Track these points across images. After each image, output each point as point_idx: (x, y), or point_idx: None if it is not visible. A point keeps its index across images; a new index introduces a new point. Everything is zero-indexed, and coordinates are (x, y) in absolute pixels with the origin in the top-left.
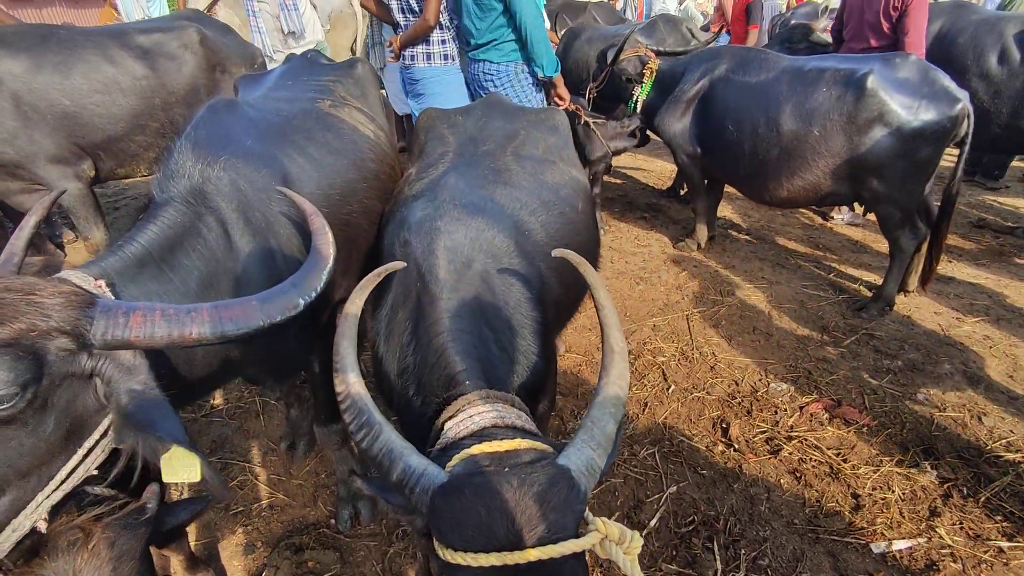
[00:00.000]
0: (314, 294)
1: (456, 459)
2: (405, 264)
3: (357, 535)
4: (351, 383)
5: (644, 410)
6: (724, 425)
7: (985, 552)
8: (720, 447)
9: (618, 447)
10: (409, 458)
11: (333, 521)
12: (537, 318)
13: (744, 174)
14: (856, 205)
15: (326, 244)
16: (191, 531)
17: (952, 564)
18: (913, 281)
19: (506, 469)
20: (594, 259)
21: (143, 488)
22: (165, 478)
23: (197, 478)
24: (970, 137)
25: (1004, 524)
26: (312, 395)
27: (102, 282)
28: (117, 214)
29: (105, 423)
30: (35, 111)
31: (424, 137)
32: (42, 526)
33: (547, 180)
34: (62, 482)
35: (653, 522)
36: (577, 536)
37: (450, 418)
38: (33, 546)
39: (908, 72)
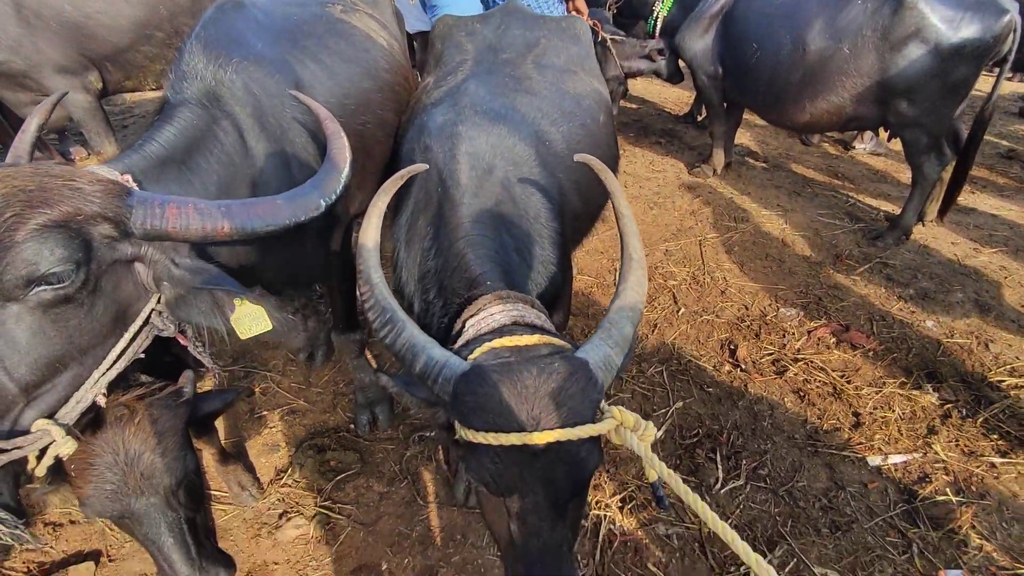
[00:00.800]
0: (334, 196)
1: (477, 351)
2: (427, 166)
3: (375, 439)
4: (375, 283)
5: (654, 331)
6: (732, 347)
7: (977, 467)
8: (727, 367)
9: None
10: (432, 350)
11: (352, 426)
12: (556, 229)
13: (766, 96)
14: (881, 132)
15: (342, 148)
16: (220, 429)
17: (944, 477)
18: (933, 211)
19: (526, 360)
20: (613, 171)
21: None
22: (241, 335)
23: (269, 326)
24: (1013, 54)
25: (999, 442)
26: (330, 305)
27: (128, 176)
28: (126, 131)
29: (147, 309)
30: (38, 18)
31: (441, 45)
32: (101, 400)
33: (568, 90)
34: (114, 362)
35: (659, 433)
36: (594, 422)
37: (471, 316)
38: (94, 420)
39: None
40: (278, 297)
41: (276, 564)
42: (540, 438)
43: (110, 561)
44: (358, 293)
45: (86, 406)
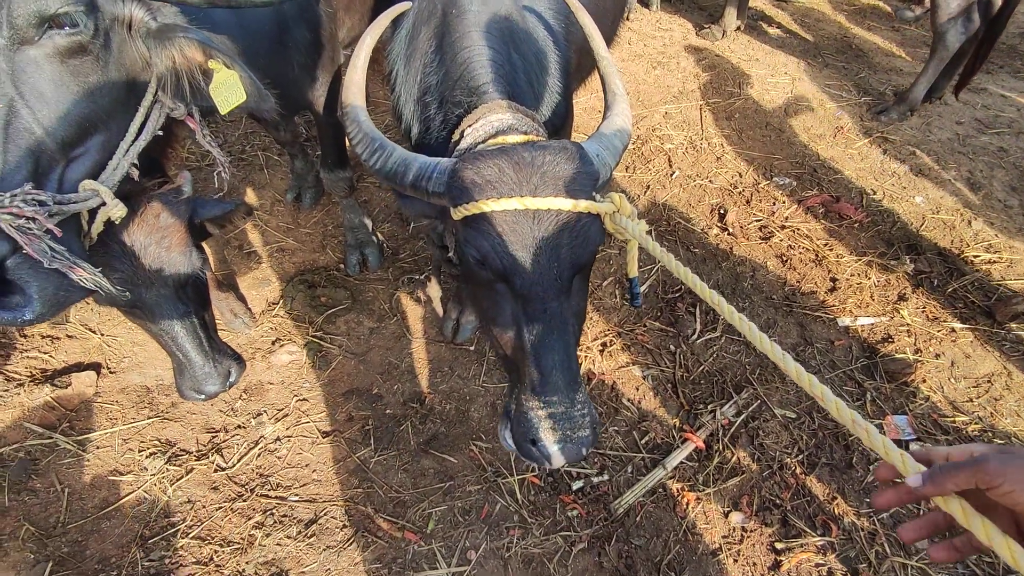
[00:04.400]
0: None
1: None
2: (417, 6)
3: (365, 279)
4: (362, 121)
5: (646, 191)
6: (722, 211)
7: (938, 331)
8: (715, 231)
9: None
10: (422, 158)
11: (342, 266)
12: (563, 58)
13: None
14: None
15: None
16: (211, 262)
17: (906, 338)
18: (944, 87)
19: (523, 143)
20: (619, 9)
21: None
22: (222, 109)
23: (244, 97)
24: None
25: (963, 310)
26: (319, 140)
27: None
28: None
29: (153, 81)
30: None
31: None
32: (134, 172)
33: None
34: (137, 134)
35: (644, 288)
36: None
37: (470, 126)
38: (129, 193)
39: None
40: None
41: (271, 384)
42: (540, 204)
43: (111, 373)
44: (345, 128)
45: (122, 174)
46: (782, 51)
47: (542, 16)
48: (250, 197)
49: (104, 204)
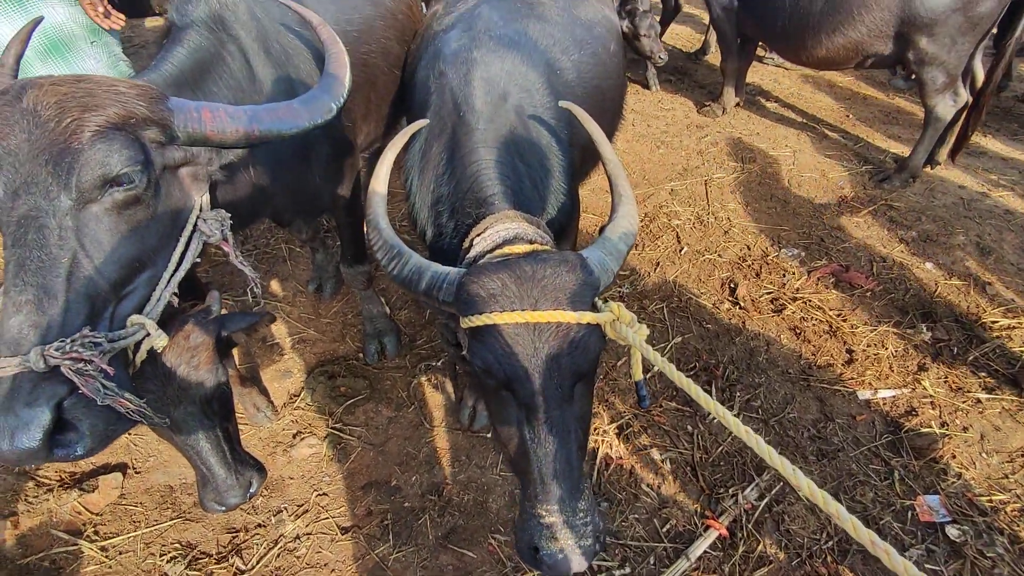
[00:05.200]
0: (342, 99)
1: (480, 263)
2: (429, 121)
3: (384, 367)
4: (382, 229)
5: (656, 268)
6: (732, 285)
7: (963, 402)
8: (726, 305)
9: (629, 302)
10: (434, 267)
11: (361, 355)
12: (567, 159)
13: (782, 29)
14: None
15: (340, 53)
16: (235, 355)
17: (931, 411)
18: (943, 153)
19: (525, 255)
20: (619, 104)
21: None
22: None
23: None
24: None
25: (986, 379)
26: (338, 237)
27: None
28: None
29: (194, 214)
30: None
31: None
32: (175, 300)
33: (580, 17)
34: (178, 264)
35: (656, 369)
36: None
37: (478, 235)
38: (169, 316)
39: None
40: (289, 228)
41: (291, 479)
42: (540, 317)
43: (136, 473)
44: (366, 235)
45: (164, 304)
46: (782, 124)
47: (546, 122)
48: (274, 288)
49: (148, 335)
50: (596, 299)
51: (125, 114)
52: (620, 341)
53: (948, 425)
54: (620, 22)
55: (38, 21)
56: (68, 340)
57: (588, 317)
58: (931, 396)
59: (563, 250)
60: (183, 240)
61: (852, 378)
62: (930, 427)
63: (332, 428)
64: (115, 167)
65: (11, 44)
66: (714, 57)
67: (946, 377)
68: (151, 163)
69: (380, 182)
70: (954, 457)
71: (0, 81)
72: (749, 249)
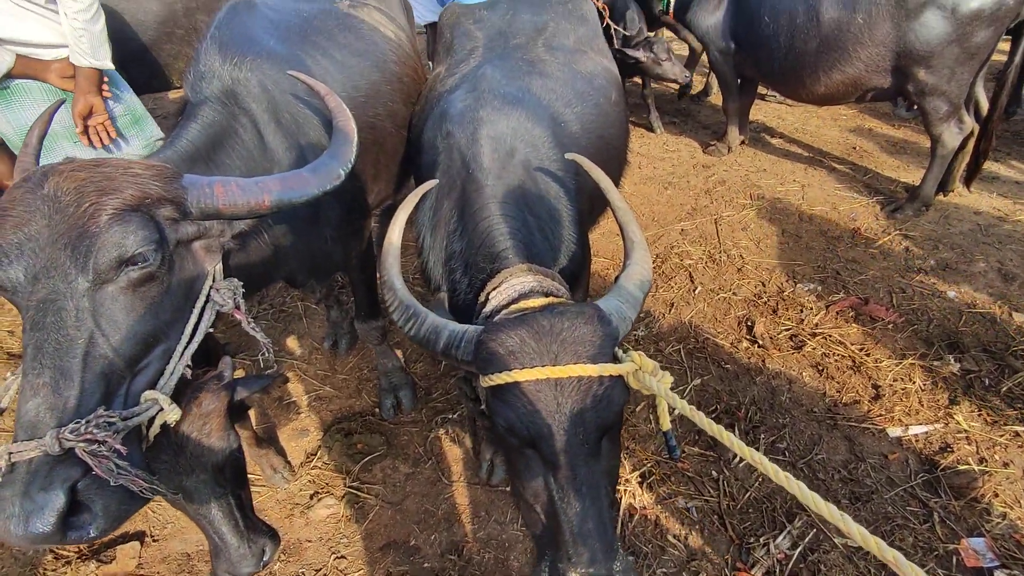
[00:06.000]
0: (350, 164)
1: (497, 319)
2: (437, 181)
3: (400, 422)
4: (398, 290)
5: (671, 310)
6: (749, 323)
7: (1001, 436)
8: (744, 344)
9: (645, 345)
10: (452, 326)
11: (377, 410)
12: (575, 209)
13: (780, 69)
14: None
15: (347, 120)
16: (252, 415)
17: (967, 447)
18: (955, 180)
19: (542, 309)
20: (624, 151)
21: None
22: None
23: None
24: None
25: (1023, 411)
26: (352, 294)
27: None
28: None
29: (206, 286)
30: None
31: (450, 34)
32: (188, 373)
33: (580, 71)
34: (191, 336)
35: (676, 411)
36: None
37: (494, 289)
38: (181, 386)
39: None
40: (303, 288)
41: (309, 542)
42: (561, 372)
43: (154, 541)
44: (381, 294)
45: (178, 377)
46: (788, 160)
47: (553, 174)
48: (290, 345)
49: (162, 409)
50: (617, 349)
51: (141, 195)
52: (644, 391)
53: (987, 461)
54: (641, 53)
55: (61, 102)
56: (83, 422)
57: (610, 369)
58: (966, 431)
59: (577, 298)
60: (196, 312)
61: (880, 415)
62: (968, 464)
63: (349, 487)
64: (130, 247)
65: (34, 125)
66: (716, 97)
67: (980, 410)
68: (165, 240)
69: (393, 242)
70: (996, 495)
71: (23, 162)
72: (764, 286)
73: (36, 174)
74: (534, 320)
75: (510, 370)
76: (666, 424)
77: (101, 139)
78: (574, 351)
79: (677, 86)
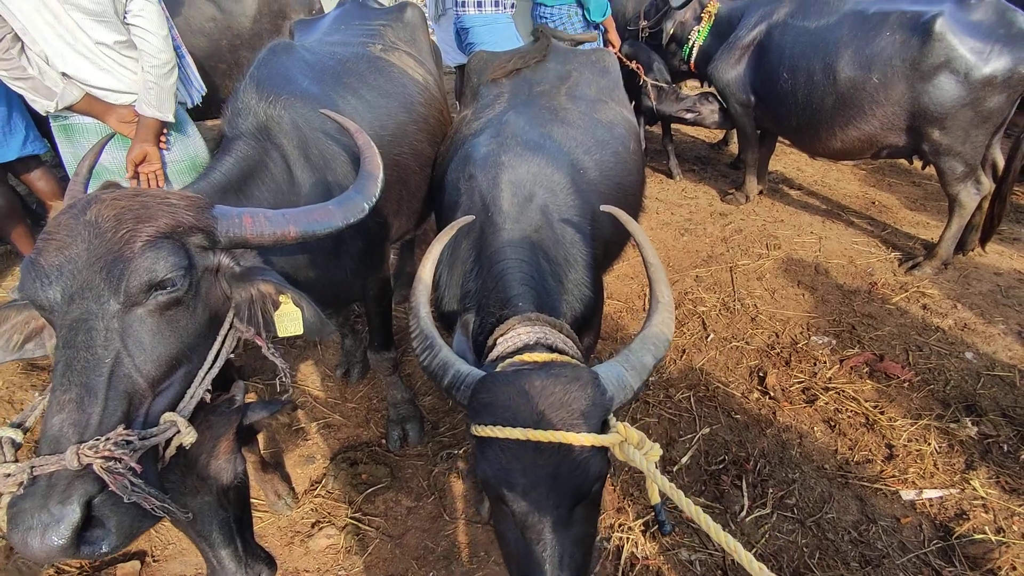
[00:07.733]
0: (374, 199)
1: (500, 366)
2: (474, 217)
3: (405, 455)
4: (421, 318)
5: (682, 356)
6: (761, 374)
7: (1020, 506)
8: (755, 395)
9: (655, 390)
10: (458, 366)
11: (384, 441)
12: (590, 254)
13: (797, 124)
14: None
15: (374, 156)
16: (259, 440)
17: (983, 514)
18: (974, 240)
19: (539, 367)
20: (640, 197)
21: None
22: (280, 333)
23: (300, 331)
24: None
25: None
26: (367, 323)
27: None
28: None
29: (231, 313)
30: None
31: (476, 80)
32: (207, 397)
33: (601, 119)
34: (213, 361)
35: (685, 459)
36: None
37: (501, 336)
38: (196, 411)
39: (983, 14)
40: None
41: (307, 571)
42: (542, 436)
43: (154, 561)
44: (408, 322)
45: (197, 401)
46: (806, 211)
47: (570, 220)
48: (303, 371)
49: (179, 431)
50: (611, 417)
51: (174, 223)
52: (630, 464)
53: (1004, 531)
54: (688, 115)
55: (111, 136)
56: (102, 439)
57: (591, 439)
58: (983, 498)
59: (587, 343)
60: (220, 337)
61: (894, 476)
62: (984, 533)
63: (351, 518)
64: (161, 272)
65: (86, 156)
66: (736, 146)
67: (998, 477)
68: (194, 267)
69: (426, 273)
70: (1014, 568)
71: (73, 190)
72: (778, 336)
73: (81, 202)
74: (527, 379)
75: (493, 425)
76: (655, 498)
77: (150, 186)
78: (559, 417)
79: (721, 133)
